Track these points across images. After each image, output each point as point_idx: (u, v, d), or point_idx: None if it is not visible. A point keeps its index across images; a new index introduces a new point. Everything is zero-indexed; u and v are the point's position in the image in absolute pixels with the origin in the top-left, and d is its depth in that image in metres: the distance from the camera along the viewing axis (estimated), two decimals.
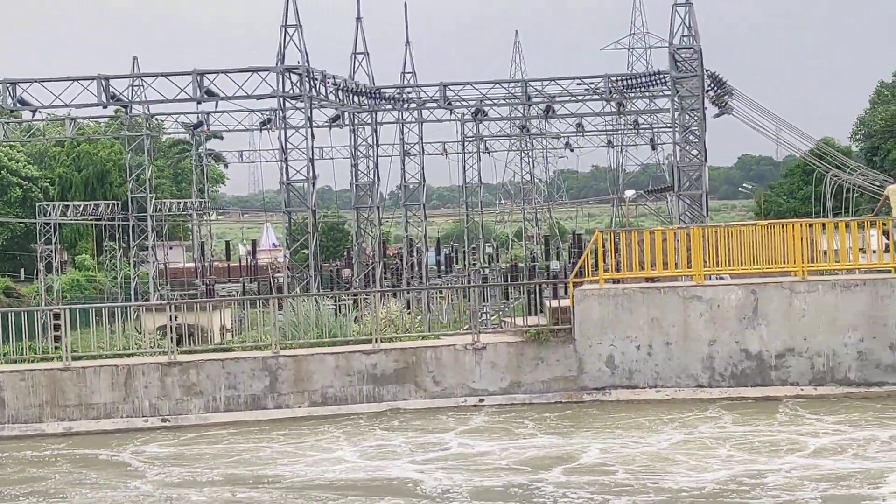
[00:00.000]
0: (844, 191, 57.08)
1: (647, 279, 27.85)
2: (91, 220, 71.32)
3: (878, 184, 48.43)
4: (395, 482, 20.16)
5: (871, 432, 22.19)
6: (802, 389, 26.06)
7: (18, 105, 44.01)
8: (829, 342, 26.31)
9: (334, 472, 21.00)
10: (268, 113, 54.09)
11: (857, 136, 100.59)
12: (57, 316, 29.03)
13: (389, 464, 21.70)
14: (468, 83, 55.61)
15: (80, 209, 69.85)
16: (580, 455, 21.71)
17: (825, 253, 28.23)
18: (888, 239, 28.58)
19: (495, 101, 57.26)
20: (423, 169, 60.46)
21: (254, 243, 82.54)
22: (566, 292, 30.07)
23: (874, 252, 29.04)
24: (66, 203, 71.18)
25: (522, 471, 20.66)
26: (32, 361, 27.60)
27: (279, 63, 42.29)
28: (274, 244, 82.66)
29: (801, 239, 27.25)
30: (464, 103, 56.89)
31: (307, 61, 43.20)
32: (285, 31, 42.89)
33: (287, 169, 43.49)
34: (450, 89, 55.38)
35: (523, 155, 74.96)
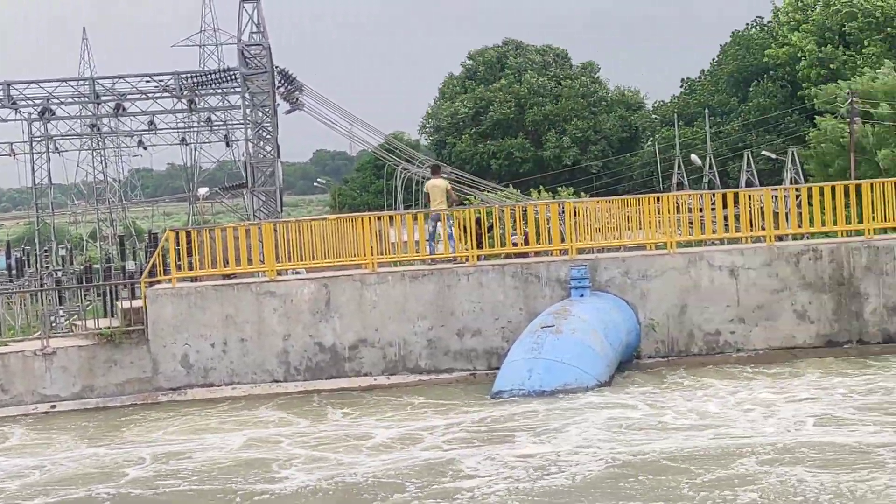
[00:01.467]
0: (414, 183, 61.75)
1: (224, 276, 29.72)
2: None
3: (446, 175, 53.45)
4: None
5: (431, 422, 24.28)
6: (376, 379, 28.45)
7: None
8: (400, 332, 28.85)
9: None
10: None
11: (426, 130, 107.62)
12: None
13: None
14: (33, 81, 56.21)
15: None
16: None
17: (395, 245, 30.98)
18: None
19: (63, 100, 58.00)
20: None
21: None
22: (135, 293, 31.58)
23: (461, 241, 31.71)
24: None
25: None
26: None
27: None
28: None
29: (372, 232, 29.76)
30: (30, 102, 57.41)
31: None
32: None
33: None
34: (14, 88, 55.59)
35: (95, 154, 75.16)
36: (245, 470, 20.73)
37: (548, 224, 31.65)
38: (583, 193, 76.37)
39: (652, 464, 19.29)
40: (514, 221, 32.43)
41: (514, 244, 31.79)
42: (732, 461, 19.05)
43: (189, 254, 30.27)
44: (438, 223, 31.83)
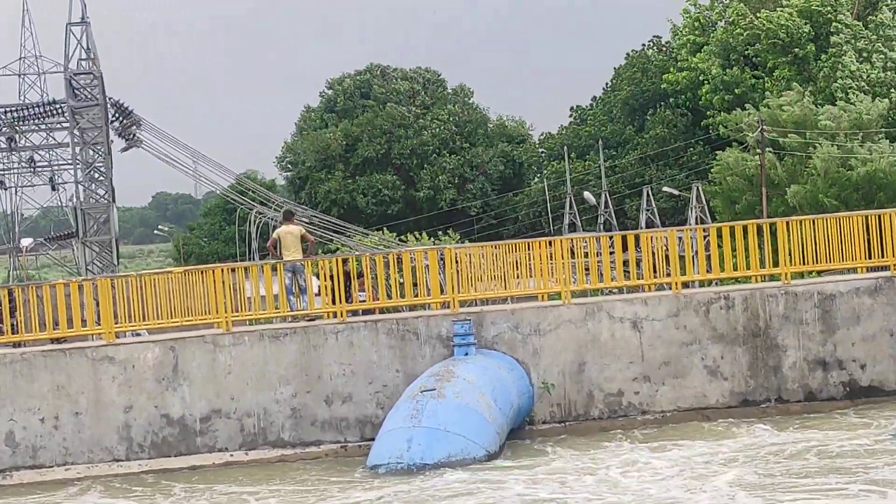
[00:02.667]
0: (270, 229, 61.70)
1: (54, 340, 29.39)
2: None
3: (308, 220, 53.22)
4: None
5: None
6: (233, 455, 28.47)
7: None
8: (260, 400, 28.87)
9: None
10: None
11: (284, 165, 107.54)
12: None
13: None
14: None
15: None
16: None
17: (251, 300, 31.17)
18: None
19: None
20: None
21: None
22: None
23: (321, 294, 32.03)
24: None
25: None
26: None
27: None
28: None
29: (224, 285, 29.82)
30: None
31: None
32: None
33: None
34: None
35: None
36: None
37: (426, 273, 31.81)
38: (464, 238, 76.74)
39: None
40: (360, 275, 33.05)
41: (362, 300, 32.32)
42: None
43: (12, 314, 30.04)
44: (297, 274, 31.88)
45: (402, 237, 75.28)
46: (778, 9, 78.01)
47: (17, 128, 57.37)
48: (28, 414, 28.45)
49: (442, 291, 31.24)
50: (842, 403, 29.79)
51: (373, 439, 27.40)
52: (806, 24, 76.62)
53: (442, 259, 32.04)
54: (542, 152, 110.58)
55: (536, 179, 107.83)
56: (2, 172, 72.72)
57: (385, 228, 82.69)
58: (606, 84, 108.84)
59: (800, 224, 30.90)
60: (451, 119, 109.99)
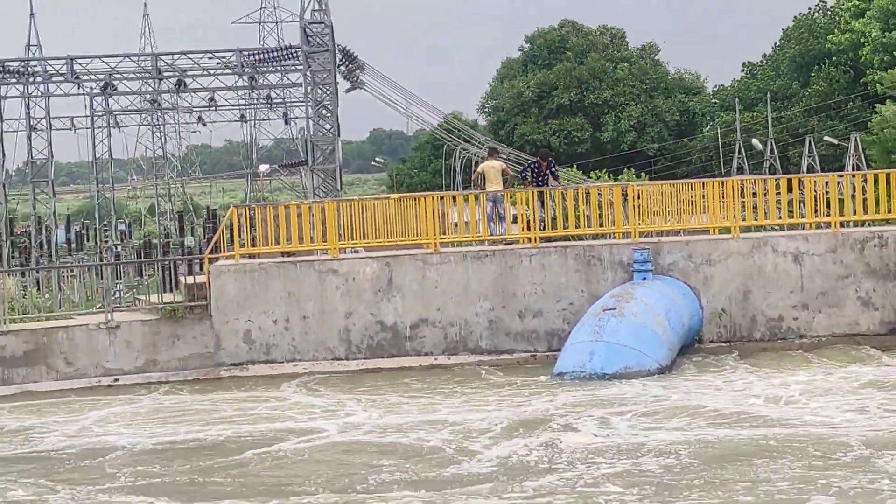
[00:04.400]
0: (473, 164, 61.94)
1: (284, 253, 30.01)
2: None
3: (506, 157, 53.43)
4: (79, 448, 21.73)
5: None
6: (436, 359, 28.71)
7: None
8: (462, 312, 29.08)
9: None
10: None
11: (485, 110, 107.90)
12: None
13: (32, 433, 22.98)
14: (96, 56, 56.84)
15: None
16: None
17: (456, 225, 31.41)
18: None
19: (125, 75, 58.51)
20: (50, 144, 61.20)
21: None
22: (202, 268, 31.65)
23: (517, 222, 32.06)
24: None
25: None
26: None
27: None
28: None
29: (433, 212, 29.94)
30: (92, 77, 58.04)
31: None
32: None
33: None
34: (77, 62, 56.27)
35: (155, 130, 76.34)
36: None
37: (611, 207, 31.80)
38: (643, 176, 76.23)
39: (720, 450, 19.31)
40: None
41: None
42: (820, 448, 19.06)
43: (251, 229, 30.93)
44: (497, 204, 31.85)
45: (589, 174, 74.95)
46: None
47: (257, 69, 58.28)
48: (263, 316, 29.10)
49: (624, 223, 31.04)
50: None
51: (559, 350, 27.53)
52: None
53: (625, 194, 31.88)
54: (715, 103, 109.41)
55: (709, 127, 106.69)
56: (243, 108, 74.13)
57: (574, 165, 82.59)
58: (775, 43, 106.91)
59: None
60: (638, 73, 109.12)
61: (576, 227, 31.60)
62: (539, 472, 18.66)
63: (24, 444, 22.98)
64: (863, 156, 73.11)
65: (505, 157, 37.40)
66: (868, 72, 79.97)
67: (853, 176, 38.02)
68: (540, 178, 33.76)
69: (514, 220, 32.09)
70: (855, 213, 32.14)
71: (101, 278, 35.23)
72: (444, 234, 30.76)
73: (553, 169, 34.57)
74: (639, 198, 31.18)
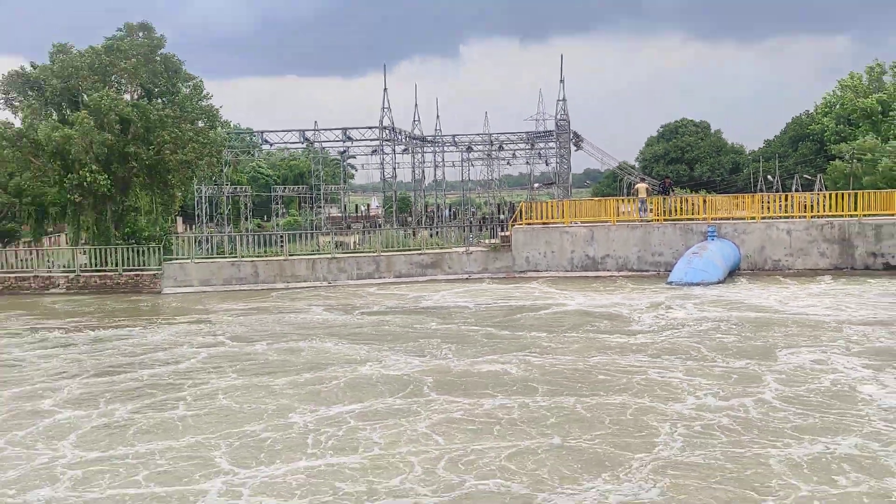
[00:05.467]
0: (631, 184, 60.05)
1: (544, 223, 31.70)
2: (295, 194, 75.13)
3: (646, 181, 54.13)
4: (453, 305, 23.45)
5: (631, 293, 24.88)
6: (612, 273, 30.26)
7: (263, 140, 49.70)
8: (625, 252, 30.63)
9: (424, 301, 24.72)
10: (374, 145, 53.86)
11: (638, 160, 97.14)
12: (282, 237, 32.96)
13: (437, 296, 25.35)
14: (471, 134, 59.45)
15: (292, 189, 75.00)
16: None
17: (623, 212, 32.08)
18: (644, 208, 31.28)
19: (476, 143, 59.83)
20: (443, 176, 63.15)
21: (368, 206, 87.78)
22: (506, 229, 33.64)
23: (651, 211, 31.19)
24: (285, 186, 76.29)
25: (505, 296, 24.47)
26: (270, 255, 31.51)
27: (381, 123, 47.95)
28: (377, 205, 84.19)
29: (613, 206, 31.84)
30: (464, 143, 59.93)
31: (392, 122, 48.59)
32: (383, 111, 48.60)
33: (384, 172, 48.62)
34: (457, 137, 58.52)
35: (489, 166, 73.71)
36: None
37: (694, 206, 31.65)
38: (713, 192, 71.29)
39: (749, 319, 19.58)
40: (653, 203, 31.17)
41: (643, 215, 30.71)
42: (797, 321, 18.94)
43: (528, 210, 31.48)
44: (643, 204, 31.50)
45: (685, 189, 69.84)
46: None
47: (536, 139, 57.27)
48: (534, 250, 29.79)
49: (703, 214, 30.41)
50: (884, 273, 28.26)
51: (669, 271, 28.47)
52: None
53: (705, 200, 31.60)
54: (750, 158, 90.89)
55: (746, 170, 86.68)
56: (528, 156, 67.92)
57: (683, 187, 76.03)
58: (781, 129, 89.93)
59: None
60: (710, 144, 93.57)
61: (679, 215, 31.18)
62: (666, 327, 19.00)
63: (414, 303, 24.52)
64: (823, 185, 69.74)
65: (646, 181, 39.09)
66: (827, 145, 72.52)
67: (817, 194, 34.26)
68: (664, 191, 34.40)
69: (650, 211, 31.39)
70: (817, 211, 30.85)
71: (464, 231, 36.69)
72: (618, 216, 31.22)
73: (671, 187, 34.82)
74: (711, 201, 31.67)
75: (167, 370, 16.26)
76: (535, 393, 13.50)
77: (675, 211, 31.06)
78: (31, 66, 34.46)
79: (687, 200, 31.99)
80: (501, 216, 55.86)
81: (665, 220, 30.69)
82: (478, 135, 60.38)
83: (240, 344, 18.70)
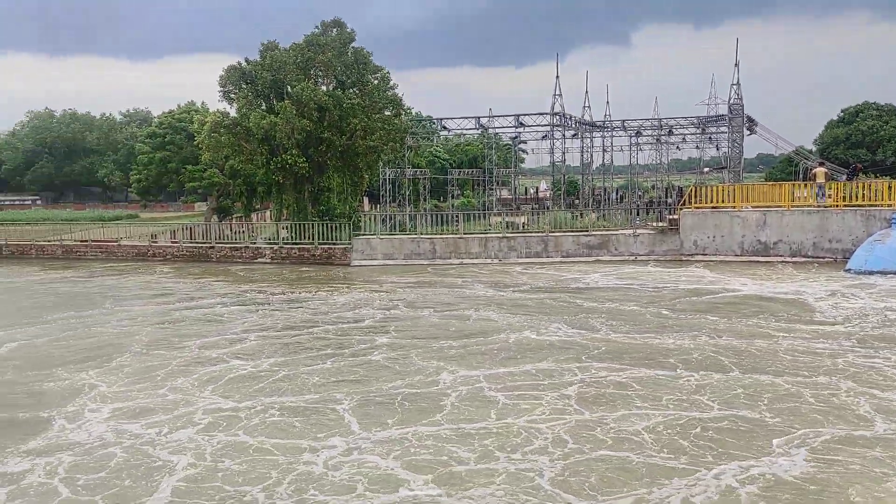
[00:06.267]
0: (808, 169, 57.96)
1: (713, 207, 31.15)
2: (469, 177, 77.75)
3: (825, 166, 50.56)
4: (623, 286, 23.31)
5: (809, 277, 24.86)
6: (785, 259, 29.47)
7: (442, 127, 51.33)
8: (799, 238, 29.69)
9: (589, 280, 25.07)
10: (545, 130, 53.95)
11: (816, 143, 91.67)
12: (457, 216, 33.96)
13: (605, 276, 25.47)
14: (632, 119, 58.62)
15: (466, 172, 77.76)
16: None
17: (799, 197, 31.12)
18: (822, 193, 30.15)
19: (645, 129, 58.84)
20: (610, 159, 63.66)
21: (536, 188, 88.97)
22: (673, 212, 33.84)
23: (829, 197, 30.08)
24: (460, 169, 78.99)
25: (662, 277, 24.62)
26: (446, 233, 32.58)
27: (552, 109, 48.68)
28: (545, 188, 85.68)
29: (788, 191, 31.07)
30: (631, 128, 58.97)
31: (563, 108, 49.25)
32: (554, 98, 49.55)
33: (553, 156, 49.40)
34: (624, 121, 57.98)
35: (657, 151, 72.17)
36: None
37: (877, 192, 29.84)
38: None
39: None
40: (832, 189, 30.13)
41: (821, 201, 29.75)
42: None
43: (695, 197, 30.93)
44: (821, 188, 30.36)
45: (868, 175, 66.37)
46: None
47: (706, 123, 55.78)
48: (703, 234, 29.40)
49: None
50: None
51: (847, 258, 27.57)
52: None
53: (890, 186, 29.65)
54: None
55: None
56: (699, 141, 66.08)
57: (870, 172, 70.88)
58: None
59: None
60: None
61: (860, 200, 29.90)
62: (851, 316, 18.43)
63: (576, 283, 24.48)
64: None
65: (825, 166, 36.86)
66: None
67: None
68: (851, 176, 33.05)
69: (829, 197, 30.20)
70: None
71: (631, 214, 37.03)
72: (793, 201, 30.46)
73: (857, 172, 33.86)
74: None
75: (348, 327, 18.14)
76: (728, 370, 13.77)
77: (856, 196, 29.85)
78: (246, 61, 37.45)
79: (869, 186, 30.45)
80: (668, 200, 54.37)
81: (845, 205, 29.64)
82: (647, 119, 60.05)
83: (413, 310, 20.28)
